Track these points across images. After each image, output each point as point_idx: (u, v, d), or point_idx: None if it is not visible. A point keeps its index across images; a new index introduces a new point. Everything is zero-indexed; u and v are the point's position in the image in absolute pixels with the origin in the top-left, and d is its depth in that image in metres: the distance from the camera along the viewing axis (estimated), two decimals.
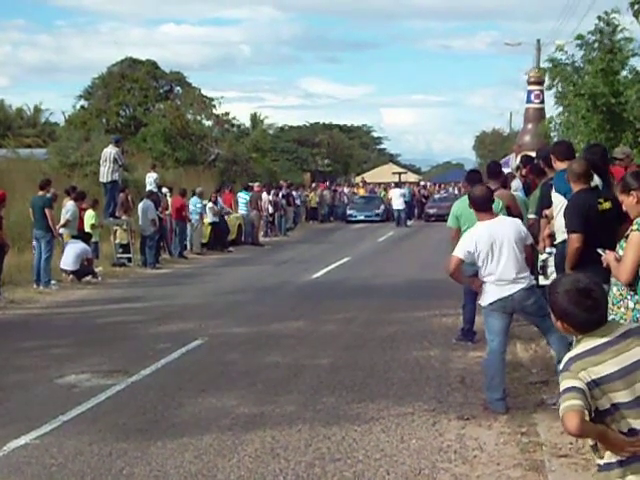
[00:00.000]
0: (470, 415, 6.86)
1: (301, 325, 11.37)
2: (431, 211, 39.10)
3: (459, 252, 6.98)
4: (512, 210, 8.97)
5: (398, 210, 35.36)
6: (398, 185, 39.86)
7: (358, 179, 61.66)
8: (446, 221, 9.74)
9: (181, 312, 12.70)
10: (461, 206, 8.91)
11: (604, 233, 6.48)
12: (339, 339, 10.30)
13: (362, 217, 38.60)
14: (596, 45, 19.14)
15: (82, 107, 46.94)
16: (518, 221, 7.54)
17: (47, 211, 15.56)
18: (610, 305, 5.83)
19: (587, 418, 3.16)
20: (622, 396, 3.18)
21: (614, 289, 5.67)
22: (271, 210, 29.79)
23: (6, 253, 14.40)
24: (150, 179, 22.55)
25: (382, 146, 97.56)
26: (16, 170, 25.32)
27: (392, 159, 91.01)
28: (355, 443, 6.21)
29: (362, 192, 46.48)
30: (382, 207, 39.56)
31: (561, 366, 3.27)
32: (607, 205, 6.61)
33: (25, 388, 8.15)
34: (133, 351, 9.80)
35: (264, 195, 28.85)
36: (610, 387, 3.18)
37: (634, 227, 5.28)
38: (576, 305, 3.23)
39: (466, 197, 7.90)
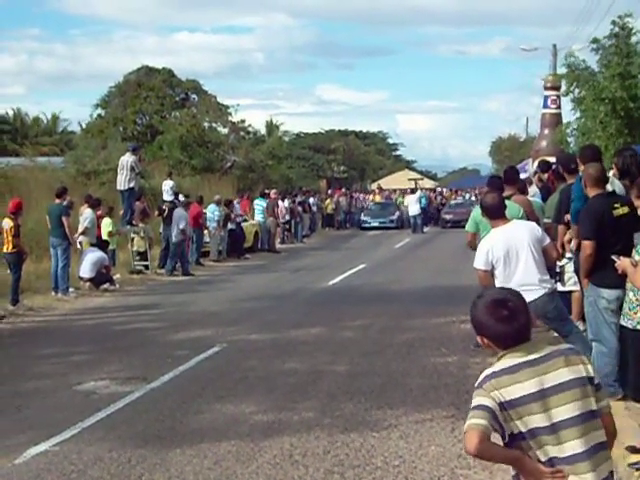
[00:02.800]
0: None
1: (318, 332, 11.37)
2: (447, 217, 38.95)
3: (480, 264, 6.95)
4: (529, 216, 8.94)
5: (414, 216, 35.14)
6: (413, 191, 39.66)
7: (374, 185, 61.65)
8: (463, 227, 9.71)
9: (199, 319, 12.73)
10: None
11: (620, 239, 6.44)
12: (357, 345, 10.29)
13: (376, 224, 38.30)
14: (612, 50, 19.10)
15: (99, 115, 47.17)
16: (533, 223, 7.52)
17: (64, 219, 15.63)
18: (627, 310, 5.80)
19: (502, 441, 3.02)
20: (538, 420, 2.97)
21: (630, 294, 5.64)
22: (287, 217, 29.82)
23: (24, 261, 14.51)
24: (167, 187, 22.60)
25: (398, 152, 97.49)
26: (33, 178, 25.43)
27: (408, 165, 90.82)
28: (374, 450, 6.20)
29: (378, 198, 46.44)
30: (397, 213, 39.29)
31: (477, 382, 3.09)
32: (624, 210, 6.55)
33: (44, 395, 8.19)
34: (151, 358, 9.83)
35: (280, 202, 28.88)
36: (525, 410, 2.98)
37: None
38: (491, 315, 3.05)
39: None
